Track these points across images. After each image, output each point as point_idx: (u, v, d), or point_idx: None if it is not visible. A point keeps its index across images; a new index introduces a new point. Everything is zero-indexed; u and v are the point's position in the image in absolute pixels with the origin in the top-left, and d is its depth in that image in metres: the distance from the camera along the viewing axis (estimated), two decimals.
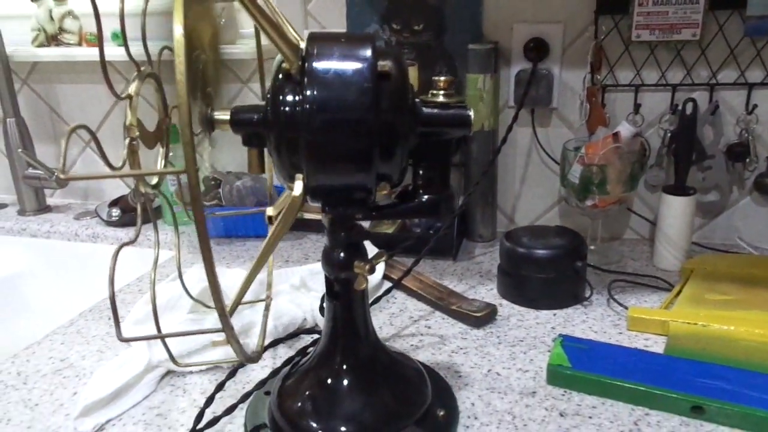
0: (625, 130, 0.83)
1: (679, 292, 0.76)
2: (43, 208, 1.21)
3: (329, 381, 0.53)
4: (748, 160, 0.87)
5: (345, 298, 0.52)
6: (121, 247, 0.44)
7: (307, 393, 0.54)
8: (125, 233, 1.08)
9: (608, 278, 0.82)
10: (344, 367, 0.53)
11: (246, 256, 0.96)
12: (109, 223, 1.11)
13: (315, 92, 0.41)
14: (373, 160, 0.43)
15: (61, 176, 0.32)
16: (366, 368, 0.54)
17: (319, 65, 0.41)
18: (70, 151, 1.26)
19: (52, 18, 1.14)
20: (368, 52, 0.42)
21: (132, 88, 0.41)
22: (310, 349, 0.66)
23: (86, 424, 0.56)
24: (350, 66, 0.41)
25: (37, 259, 1.12)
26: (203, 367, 0.65)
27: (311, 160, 0.42)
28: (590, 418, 0.56)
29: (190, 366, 0.64)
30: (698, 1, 0.81)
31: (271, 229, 0.45)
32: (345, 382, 0.53)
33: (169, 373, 0.65)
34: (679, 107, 0.85)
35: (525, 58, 0.91)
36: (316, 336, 0.69)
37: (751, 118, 0.86)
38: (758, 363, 0.60)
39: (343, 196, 0.46)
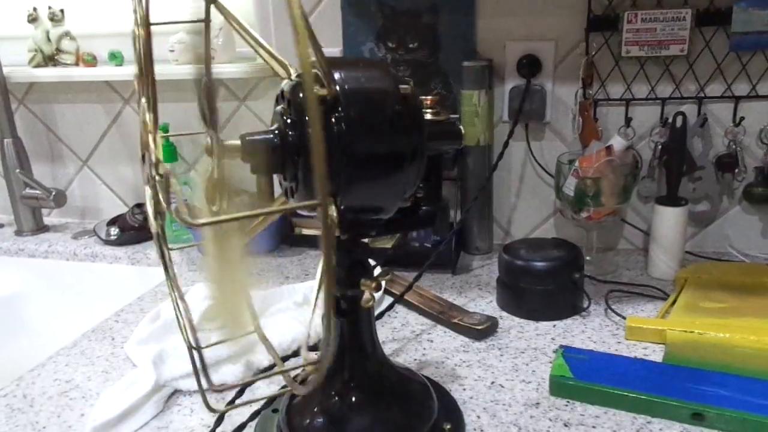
0: (617, 143, 0.85)
1: (675, 300, 0.78)
2: (41, 228, 1.22)
3: (337, 398, 0.54)
4: (736, 170, 0.89)
5: (352, 315, 0.53)
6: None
7: (315, 410, 0.55)
8: (124, 252, 1.09)
9: (605, 288, 0.84)
10: (352, 383, 0.54)
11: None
12: (108, 242, 1.11)
13: (353, 114, 0.42)
14: (406, 177, 0.44)
15: (197, 222, 0.31)
16: (373, 384, 0.55)
17: (353, 89, 0.43)
18: (67, 170, 1.26)
19: (49, 39, 1.15)
20: (390, 77, 0.44)
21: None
22: None
23: None
24: (380, 89, 0.43)
25: (35, 279, 1.12)
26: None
27: (352, 179, 0.43)
28: (594, 427, 0.57)
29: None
30: (685, 18, 0.84)
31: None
32: (353, 398, 0.54)
33: (176, 392, 0.65)
34: (669, 120, 0.87)
35: (518, 74, 0.93)
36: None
37: (738, 130, 0.88)
38: (754, 369, 0.62)
39: (371, 214, 0.48)
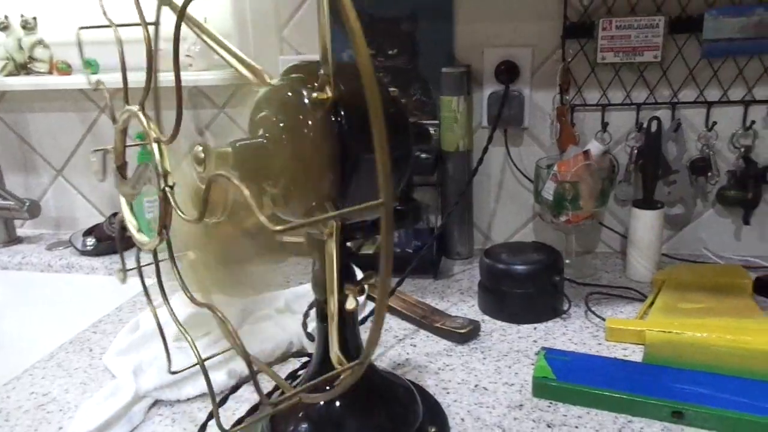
0: (594, 147, 0.87)
1: (653, 302, 0.79)
2: (14, 240, 1.19)
3: (322, 404, 0.54)
4: (710, 174, 0.91)
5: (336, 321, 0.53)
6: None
7: (300, 415, 0.54)
8: (101, 262, 1.07)
9: (584, 291, 0.85)
10: None
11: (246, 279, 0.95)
12: (84, 253, 1.09)
13: (354, 116, 0.42)
14: (397, 176, 0.45)
15: (277, 228, 0.30)
16: (358, 390, 0.54)
17: (351, 91, 0.43)
18: (41, 180, 1.24)
19: (21, 47, 1.13)
20: (380, 80, 0.45)
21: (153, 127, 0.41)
22: (300, 372, 0.66)
23: None
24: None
25: (9, 291, 1.10)
26: (190, 395, 0.65)
27: (350, 180, 0.43)
28: (576, 428, 0.58)
29: None
30: (658, 25, 0.85)
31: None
32: (338, 404, 0.54)
33: (156, 402, 0.64)
34: (644, 125, 0.89)
35: (496, 80, 0.94)
36: (305, 359, 0.69)
37: (711, 135, 0.90)
38: (731, 367, 0.63)
39: (364, 215, 0.48)
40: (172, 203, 0.39)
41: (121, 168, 0.47)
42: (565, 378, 0.62)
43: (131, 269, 0.54)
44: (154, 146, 0.39)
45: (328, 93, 0.43)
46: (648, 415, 0.58)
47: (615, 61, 0.89)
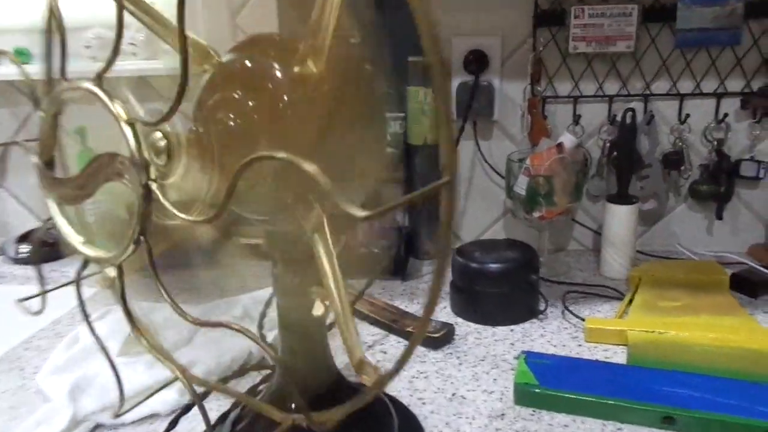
0: (567, 140, 0.83)
1: (631, 300, 0.76)
2: None
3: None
4: (683, 168, 0.89)
5: (301, 327, 0.48)
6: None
7: None
8: (37, 271, 0.98)
9: (559, 290, 0.81)
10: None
11: (173, 289, 0.88)
12: (17, 261, 1.00)
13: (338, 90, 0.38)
14: None
15: (361, 214, 0.26)
16: (328, 404, 0.49)
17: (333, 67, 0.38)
18: None
19: None
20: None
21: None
22: (262, 387, 0.60)
23: None
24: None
25: None
26: (137, 417, 0.58)
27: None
28: None
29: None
30: (632, 14, 0.83)
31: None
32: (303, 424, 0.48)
33: (98, 426, 0.57)
34: (617, 117, 0.86)
35: (465, 70, 0.90)
36: (266, 371, 0.63)
37: (683, 128, 0.88)
38: (718, 367, 0.60)
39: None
40: (163, 201, 0.32)
41: (49, 164, 0.40)
42: (549, 384, 0.58)
43: (68, 284, 0.46)
44: (126, 130, 0.32)
45: (313, 68, 0.37)
46: (637, 421, 0.55)
47: (587, 50, 0.86)
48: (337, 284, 0.36)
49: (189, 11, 1.00)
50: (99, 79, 0.34)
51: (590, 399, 0.56)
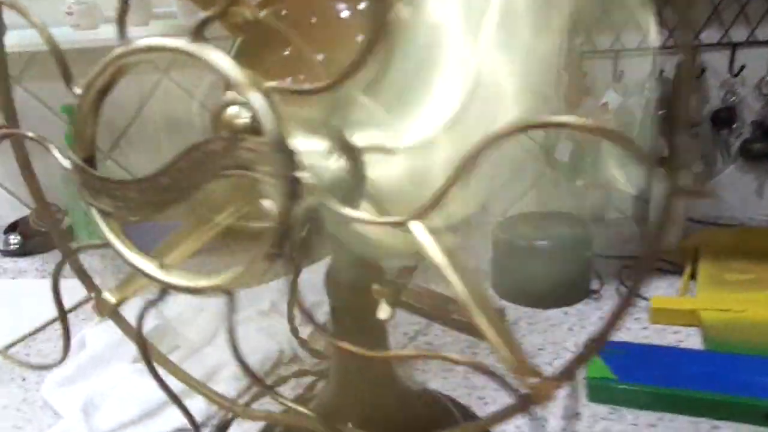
0: (612, 99, 0.76)
1: (692, 274, 0.70)
2: None
3: None
4: (734, 125, 0.82)
5: (360, 335, 0.40)
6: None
7: None
8: (30, 263, 0.89)
9: (611, 265, 0.74)
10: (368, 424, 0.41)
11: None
12: (7, 253, 0.91)
13: None
14: None
15: None
16: (394, 424, 0.42)
17: None
18: None
19: None
20: None
21: None
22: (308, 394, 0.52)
23: None
24: None
25: None
26: (168, 430, 0.51)
27: None
28: None
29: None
30: None
31: None
32: None
33: None
34: (664, 72, 0.78)
35: None
36: (310, 378, 0.55)
37: (735, 81, 0.80)
38: None
39: None
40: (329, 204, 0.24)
41: (89, 161, 0.31)
42: (628, 377, 0.51)
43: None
44: (256, 99, 0.24)
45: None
46: (735, 418, 0.48)
47: None
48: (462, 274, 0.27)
49: None
50: (198, 35, 0.25)
51: (679, 393, 0.49)
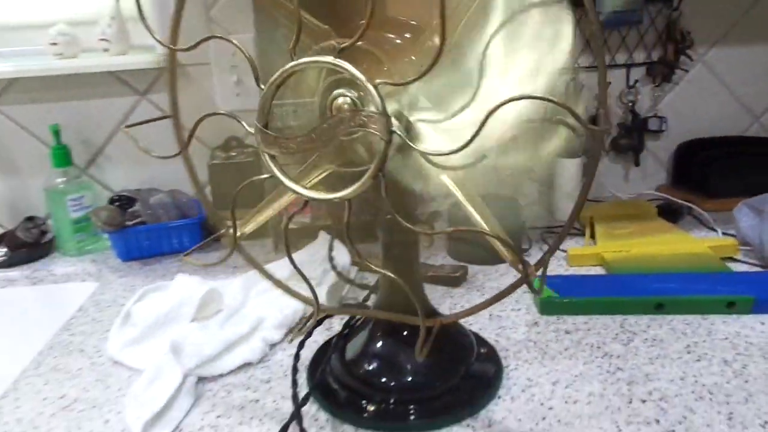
0: None
1: (592, 234, 0.94)
2: None
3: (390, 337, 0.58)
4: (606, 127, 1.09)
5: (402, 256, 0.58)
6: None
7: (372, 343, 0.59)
8: (19, 273, 0.95)
9: (532, 233, 0.97)
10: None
11: (186, 270, 0.91)
12: None
13: None
14: None
15: None
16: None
17: None
18: None
19: None
20: None
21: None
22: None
23: None
24: None
25: None
26: (232, 367, 0.64)
27: None
28: (589, 330, 0.69)
29: None
30: (562, 1, 1.00)
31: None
32: (405, 332, 0.58)
33: (200, 380, 0.62)
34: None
35: None
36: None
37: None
38: (673, 268, 0.79)
39: None
40: (412, 144, 0.40)
41: (266, 126, 0.45)
42: (565, 294, 0.73)
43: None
44: (371, 89, 0.40)
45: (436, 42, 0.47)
46: (637, 311, 0.71)
47: None
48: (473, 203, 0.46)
49: (159, 4, 1.04)
50: (341, 53, 0.42)
51: (601, 300, 0.72)
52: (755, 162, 1.05)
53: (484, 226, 0.48)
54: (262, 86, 0.45)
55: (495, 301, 0.52)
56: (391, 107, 0.44)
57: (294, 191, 0.45)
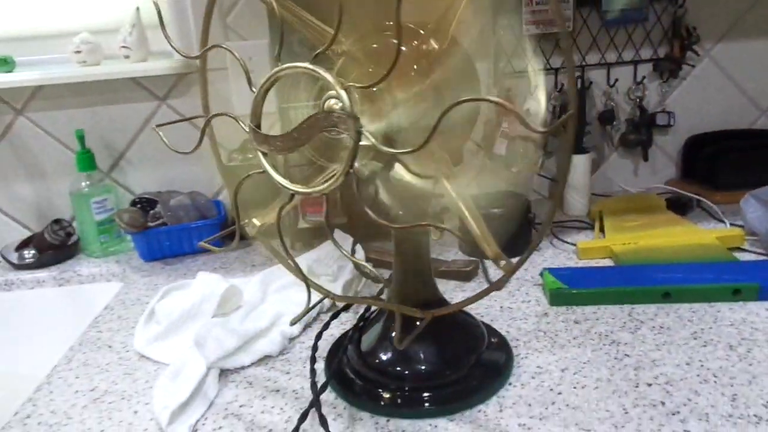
0: (532, 106, 1.01)
1: (601, 227, 0.96)
2: None
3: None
4: (614, 122, 1.11)
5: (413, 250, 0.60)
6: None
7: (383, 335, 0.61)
8: (47, 274, 0.99)
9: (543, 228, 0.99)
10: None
11: (206, 269, 0.94)
12: (22, 267, 1.00)
13: None
14: None
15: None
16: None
17: None
18: None
19: None
20: None
21: None
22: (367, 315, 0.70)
23: (180, 429, 0.55)
24: None
25: None
26: (254, 359, 0.66)
27: None
28: (597, 319, 0.70)
29: None
30: (569, 1, 1.02)
31: None
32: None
33: (222, 372, 0.65)
34: (563, 86, 1.06)
35: None
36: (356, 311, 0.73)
37: (612, 90, 1.10)
38: (681, 259, 0.80)
39: None
40: (375, 142, 0.43)
41: (258, 126, 0.48)
42: (574, 286, 0.75)
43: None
44: (342, 93, 0.42)
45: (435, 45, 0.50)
46: (645, 300, 0.73)
47: (536, 32, 1.04)
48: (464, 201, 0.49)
49: (178, 12, 1.08)
50: (314, 60, 0.45)
51: (609, 290, 0.74)
52: (763, 155, 1.07)
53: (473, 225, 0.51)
54: (254, 89, 0.48)
55: (482, 296, 0.54)
56: (375, 126, 0.47)
57: (281, 185, 0.48)
